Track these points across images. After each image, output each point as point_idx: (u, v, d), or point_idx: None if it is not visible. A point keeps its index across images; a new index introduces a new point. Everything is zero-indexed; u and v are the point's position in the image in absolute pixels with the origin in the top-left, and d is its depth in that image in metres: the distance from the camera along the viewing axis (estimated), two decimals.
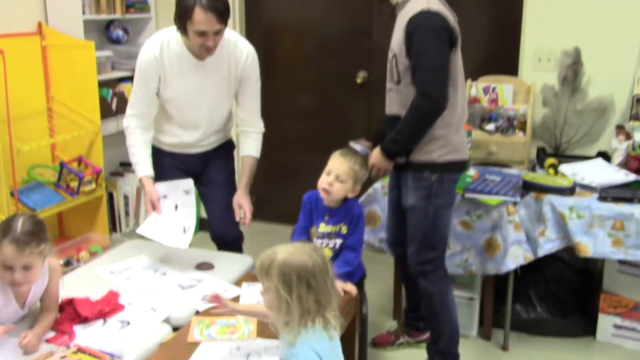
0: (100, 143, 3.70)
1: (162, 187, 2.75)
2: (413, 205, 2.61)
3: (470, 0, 3.74)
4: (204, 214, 3.01)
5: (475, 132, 3.35)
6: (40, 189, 3.51)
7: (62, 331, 2.08)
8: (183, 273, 2.57)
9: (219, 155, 2.98)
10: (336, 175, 2.41)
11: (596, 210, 2.81)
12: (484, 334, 3.19)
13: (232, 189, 2.93)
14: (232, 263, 2.66)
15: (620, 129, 3.25)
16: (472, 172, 3.08)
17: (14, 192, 3.25)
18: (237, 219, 2.82)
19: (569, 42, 3.42)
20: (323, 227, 2.48)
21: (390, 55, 2.57)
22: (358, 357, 2.45)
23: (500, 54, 3.81)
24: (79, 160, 3.70)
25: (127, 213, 4.10)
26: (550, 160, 3.20)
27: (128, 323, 2.17)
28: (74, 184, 3.56)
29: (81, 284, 2.43)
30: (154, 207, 2.72)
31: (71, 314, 2.15)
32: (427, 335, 2.97)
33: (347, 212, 2.46)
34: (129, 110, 2.79)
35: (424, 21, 2.40)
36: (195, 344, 2.01)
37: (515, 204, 2.89)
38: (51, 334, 2.07)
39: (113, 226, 4.02)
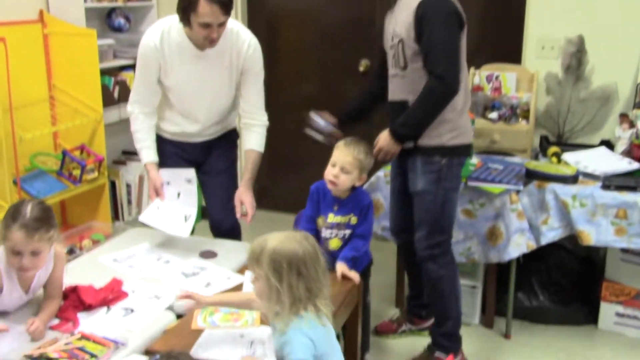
0: (103, 131, 3.69)
1: (165, 173, 2.77)
2: (423, 189, 2.60)
3: None
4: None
5: (478, 120, 3.34)
6: (43, 177, 3.52)
7: (66, 318, 2.08)
8: (186, 261, 2.57)
9: (222, 144, 2.97)
10: (341, 166, 2.41)
11: (599, 198, 2.81)
12: (487, 322, 3.19)
13: (231, 177, 2.93)
14: (235, 251, 2.65)
15: (623, 117, 3.24)
16: (475, 160, 3.07)
17: (16, 180, 3.26)
18: (238, 215, 2.79)
19: (573, 30, 3.40)
20: (332, 218, 2.48)
21: (394, 41, 2.56)
22: (360, 345, 2.46)
23: (503, 41, 3.79)
24: (82, 149, 3.69)
25: (129, 201, 4.10)
26: (554, 149, 3.20)
27: (132, 310, 2.17)
28: (76, 172, 3.56)
29: (84, 272, 2.43)
30: (158, 192, 2.73)
31: (75, 301, 2.16)
32: (429, 323, 2.98)
33: (357, 203, 2.46)
34: (132, 97, 2.79)
35: (434, 5, 2.41)
36: (198, 331, 2.02)
37: (518, 192, 2.89)
38: (55, 321, 2.07)
39: (115, 214, 4.02)
